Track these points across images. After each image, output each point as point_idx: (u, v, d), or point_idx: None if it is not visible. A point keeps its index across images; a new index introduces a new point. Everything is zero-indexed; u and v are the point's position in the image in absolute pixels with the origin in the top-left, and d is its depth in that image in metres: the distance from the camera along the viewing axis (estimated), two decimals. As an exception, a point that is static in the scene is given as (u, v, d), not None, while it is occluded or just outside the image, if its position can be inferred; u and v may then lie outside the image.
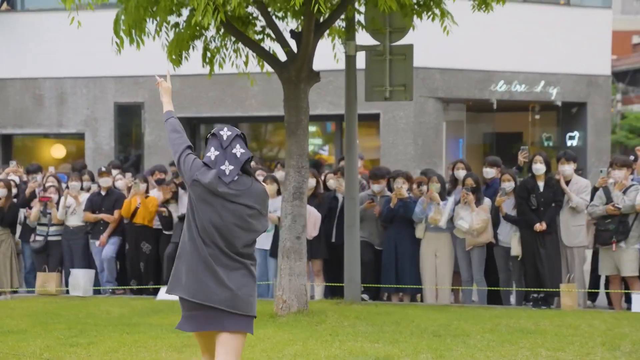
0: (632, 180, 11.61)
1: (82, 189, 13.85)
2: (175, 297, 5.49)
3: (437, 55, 18.70)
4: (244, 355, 6.76)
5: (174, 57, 10.70)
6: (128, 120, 22.17)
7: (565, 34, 20.97)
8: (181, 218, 13.13)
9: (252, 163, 5.72)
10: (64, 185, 14.16)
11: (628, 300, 11.63)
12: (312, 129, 22.79)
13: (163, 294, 12.67)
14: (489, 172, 12.54)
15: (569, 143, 21.92)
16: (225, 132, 5.48)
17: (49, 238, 13.60)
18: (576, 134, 21.92)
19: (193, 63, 20.85)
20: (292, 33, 10.59)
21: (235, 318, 5.33)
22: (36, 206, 13.57)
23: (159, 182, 13.73)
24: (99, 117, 21.74)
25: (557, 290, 11.28)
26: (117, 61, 10.87)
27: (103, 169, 13.92)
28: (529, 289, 11.43)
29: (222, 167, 5.38)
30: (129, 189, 13.83)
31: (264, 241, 12.84)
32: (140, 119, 21.69)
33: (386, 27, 11.66)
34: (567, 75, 21.29)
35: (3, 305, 12.02)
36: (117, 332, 9.24)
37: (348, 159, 11.81)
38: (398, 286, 12.18)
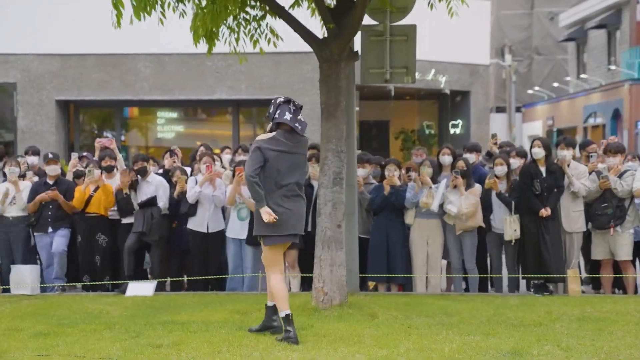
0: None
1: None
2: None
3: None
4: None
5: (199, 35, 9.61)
6: (-2, 102, 20.38)
7: (449, 23, 21.09)
8: (141, 205, 12.12)
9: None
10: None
11: (615, 285, 11.84)
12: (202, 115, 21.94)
13: (133, 289, 11.64)
14: (470, 158, 12.36)
15: (452, 131, 22.23)
16: (294, 104, 8.04)
17: (-20, 230, 12.21)
18: (459, 122, 22.24)
19: (76, 41, 19.46)
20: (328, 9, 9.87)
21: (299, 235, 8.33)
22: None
23: (109, 170, 12.56)
24: (-37, 99, 19.85)
25: (564, 276, 11.27)
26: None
27: (51, 155, 12.55)
28: (534, 275, 11.33)
29: (296, 124, 7.95)
30: (78, 176, 12.58)
31: (239, 230, 12.08)
32: (12, 101, 19.94)
33: (388, 6, 11.15)
34: (453, 64, 21.56)
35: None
36: (180, 332, 8.27)
37: (348, 144, 11.21)
38: (390, 275, 11.77)
